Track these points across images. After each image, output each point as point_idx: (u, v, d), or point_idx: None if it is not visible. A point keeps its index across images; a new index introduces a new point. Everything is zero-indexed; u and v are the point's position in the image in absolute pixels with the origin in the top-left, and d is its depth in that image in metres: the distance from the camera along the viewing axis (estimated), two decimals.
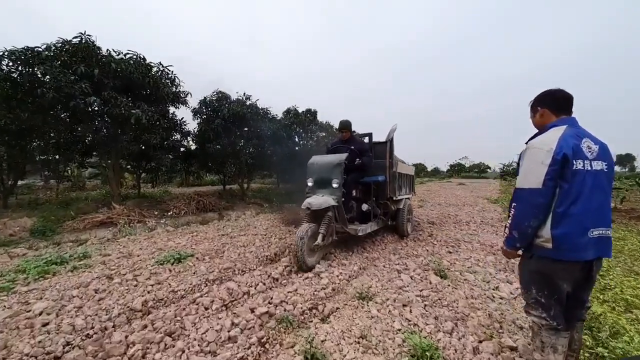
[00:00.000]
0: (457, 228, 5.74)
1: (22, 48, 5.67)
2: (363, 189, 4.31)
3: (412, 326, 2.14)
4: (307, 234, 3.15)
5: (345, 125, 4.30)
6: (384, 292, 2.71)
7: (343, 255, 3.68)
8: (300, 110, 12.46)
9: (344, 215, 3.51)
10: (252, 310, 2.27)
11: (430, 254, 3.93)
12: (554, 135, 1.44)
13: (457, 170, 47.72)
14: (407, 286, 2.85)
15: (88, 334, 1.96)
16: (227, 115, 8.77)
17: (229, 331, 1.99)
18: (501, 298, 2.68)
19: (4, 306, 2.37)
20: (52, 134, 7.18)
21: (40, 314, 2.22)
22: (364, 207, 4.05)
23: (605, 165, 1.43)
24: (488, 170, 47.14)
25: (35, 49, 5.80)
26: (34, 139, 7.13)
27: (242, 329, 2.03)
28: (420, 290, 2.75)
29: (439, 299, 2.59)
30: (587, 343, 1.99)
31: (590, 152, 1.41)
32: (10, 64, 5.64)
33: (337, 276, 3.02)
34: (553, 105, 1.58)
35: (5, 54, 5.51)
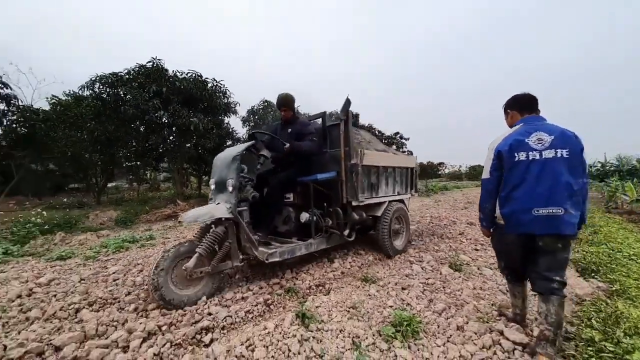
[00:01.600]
0: None
1: (109, 73, 7.15)
2: (303, 191, 3.15)
3: (404, 305, 2.29)
4: (173, 256, 2.25)
5: (284, 102, 3.15)
6: (389, 277, 2.87)
7: (361, 247, 3.86)
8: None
9: (247, 232, 2.50)
10: (267, 282, 2.67)
11: (452, 249, 3.89)
12: (503, 135, 1.79)
13: None
14: (415, 275, 2.95)
15: (144, 287, 2.57)
16: (271, 122, 9.56)
17: (244, 294, 2.42)
18: None
19: (90, 267, 3.20)
20: (133, 143, 8.76)
21: (113, 273, 2.96)
22: (303, 217, 3.00)
23: (566, 152, 1.58)
24: None
25: (119, 74, 7.25)
26: (120, 148, 8.78)
27: (254, 293, 2.44)
28: (427, 279, 2.83)
29: (443, 287, 2.65)
30: (596, 337, 1.91)
31: (541, 143, 1.62)
32: (101, 86, 7.16)
33: (350, 263, 3.25)
34: (518, 107, 1.87)
35: (97, 78, 7.02)
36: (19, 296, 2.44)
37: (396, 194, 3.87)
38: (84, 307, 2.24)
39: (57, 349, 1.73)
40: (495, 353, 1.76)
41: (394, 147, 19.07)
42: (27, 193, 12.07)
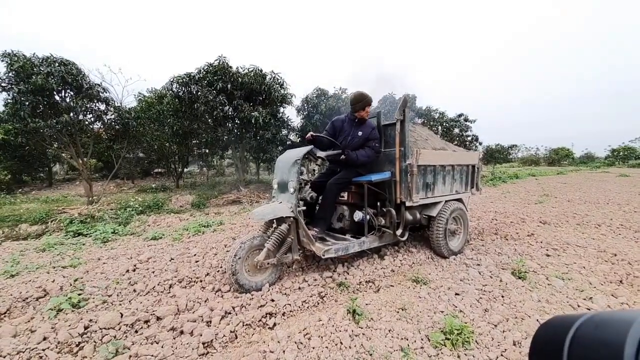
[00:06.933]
0: (577, 230, 4.79)
1: (184, 74, 8.02)
2: (358, 190, 3.23)
3: (457, 312, 2.28)
4: (248, 247, 2.63)
5: (356, 100, 3.12)
6: (442, 280, 2.84)
7: (413, 244, 3.83)
8: (397, 98, 12.30)
9: (306, 229, 2.74)
10: (320, 274, 2.89)
11: (517, 253, 3.61)
12: None
13: (624, 157, 35.39)
14: (471, 280, 2.86)
15: (219, 270, 3.02)
16: (324, 110, 9.69)
17: (300, 284, 2.69)
18: (588, 309, 2.38)
19: (176, 248, 3.84)
20: (203, 135, 9.81)
21: (195, 255, 3.51)
22: (357, 216, 3.13)
23: None
24: None
25: (191, 74, 8.08)
26: (193, 138, 9.92)
27: (309, 284, 2.69)
28: (484, 285, 2.72)
29: (501, 296, 2.54)
30: None
31: None
32: (177, 86, 8.09)
33: (400, 261, 3.29)
34: None
35: (174, 79, 7.95)
36: (127, 271, 3.10)
37: (454, 193, 3.69)
38: (175, 284, 2.75)
39: (159, 318, 2.20)
40: None
41: (457, 130, 17.56)
42: (123, 177, 14.56)
